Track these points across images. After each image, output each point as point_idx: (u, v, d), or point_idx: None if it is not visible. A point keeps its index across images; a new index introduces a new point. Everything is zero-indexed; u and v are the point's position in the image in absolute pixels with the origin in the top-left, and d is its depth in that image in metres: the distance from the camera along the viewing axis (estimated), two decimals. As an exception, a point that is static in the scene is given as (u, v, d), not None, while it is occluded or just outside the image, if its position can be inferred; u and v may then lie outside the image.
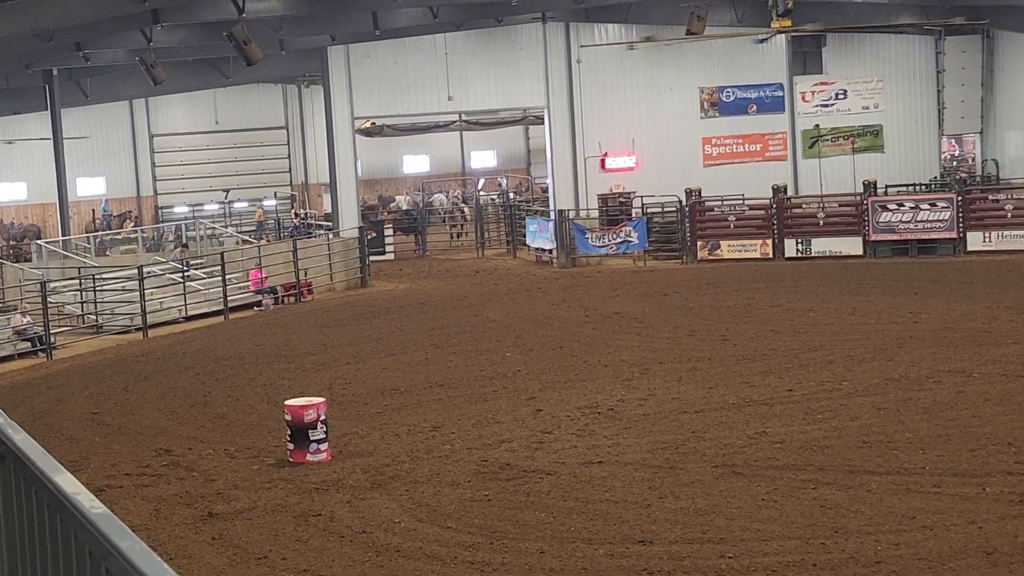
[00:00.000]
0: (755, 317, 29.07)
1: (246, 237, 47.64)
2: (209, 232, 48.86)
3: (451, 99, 45.12)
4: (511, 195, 56.67)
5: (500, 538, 14.07)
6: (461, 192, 62.53)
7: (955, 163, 52.82)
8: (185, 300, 35.15)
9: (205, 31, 38.52)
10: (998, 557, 12.67)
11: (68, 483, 3.97)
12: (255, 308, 36.35)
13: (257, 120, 63.83)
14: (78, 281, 34.71)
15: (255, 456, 18.56)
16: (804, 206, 41.87)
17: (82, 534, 3.73)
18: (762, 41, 46.10)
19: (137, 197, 61.75)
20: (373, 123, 54.20)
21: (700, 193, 42.53)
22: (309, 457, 17.81)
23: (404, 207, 55.17)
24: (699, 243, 41.35)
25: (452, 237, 54.18)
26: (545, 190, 51.36)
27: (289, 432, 17.97)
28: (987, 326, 26.01)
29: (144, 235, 47.99)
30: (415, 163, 66.60)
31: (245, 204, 61.70)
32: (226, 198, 60.34)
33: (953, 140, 52.07)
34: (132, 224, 54.69)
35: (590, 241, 42.11)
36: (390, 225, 50.76)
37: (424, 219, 52.09)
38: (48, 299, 30.89)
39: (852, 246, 39.64)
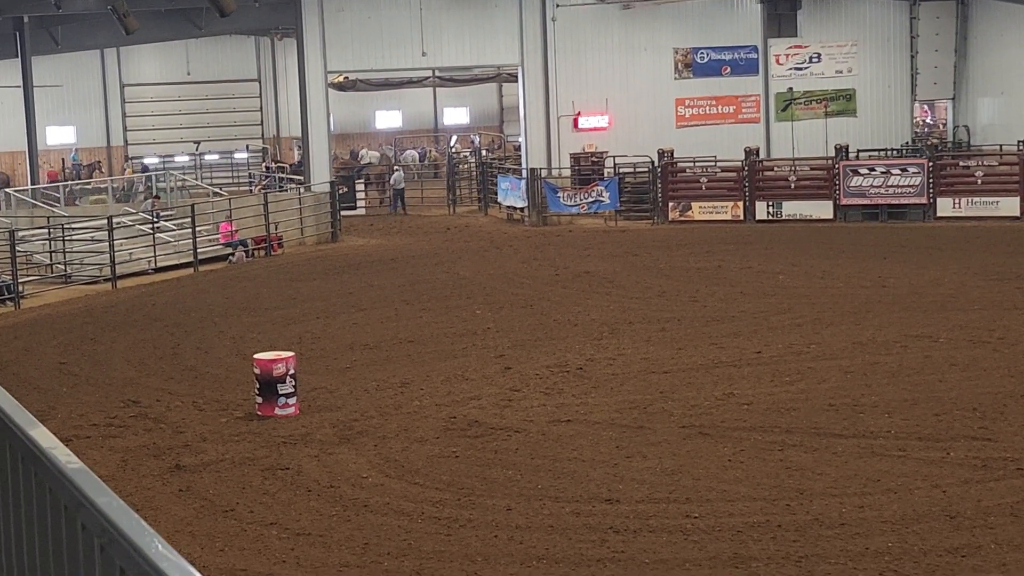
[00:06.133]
0: (725, 279, 29.17)
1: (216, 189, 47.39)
2: (179, 183, 48.59)
3: (425, 55, 44.87)
4: (483, 152, 56.49)
5: (467, 495, 14.15)
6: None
7: (927, 129, 52.98)
8: (155, 251, 34.98)
9: (178, -20, 38.21)
10: (960, 521, 12.82)
11: (43, 437, 3.96)
12: (227, 260, 36.21)
13: (229, 72, 63.52)
14: (47, 231, 34.49)
15: (223, 409, 18.56)
16: (776, 169, 41.91)
17: (57, 488, 3.74)
18: None
19: (107, 147, 61.41)
20: (346, 77, 53.85)
21: (672, 154, 42.54)
22: (277, 411, 17.82)
23: (367, 160, 54.76)
24: (670, 204, 41.38)
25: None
26: (517, 148, 51.23)
27: (258, 386, 17.98)
28: (955, 292, 26.19)
29: (114, 185, 47.71)
30: (387, 118, 66.37)
31: (216, 156, 61.39)
32: (197, 150, 60.00)
33: (925, 106, 52.20)
34: (100, 173, 54.36)
35: (562, 200, 42.07)
36: (361, 180, 50.57)
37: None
38: (16, 248, 30.70)
39: (823, 210, 39.73)
